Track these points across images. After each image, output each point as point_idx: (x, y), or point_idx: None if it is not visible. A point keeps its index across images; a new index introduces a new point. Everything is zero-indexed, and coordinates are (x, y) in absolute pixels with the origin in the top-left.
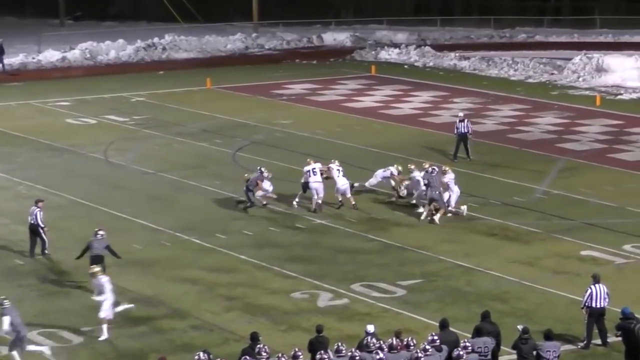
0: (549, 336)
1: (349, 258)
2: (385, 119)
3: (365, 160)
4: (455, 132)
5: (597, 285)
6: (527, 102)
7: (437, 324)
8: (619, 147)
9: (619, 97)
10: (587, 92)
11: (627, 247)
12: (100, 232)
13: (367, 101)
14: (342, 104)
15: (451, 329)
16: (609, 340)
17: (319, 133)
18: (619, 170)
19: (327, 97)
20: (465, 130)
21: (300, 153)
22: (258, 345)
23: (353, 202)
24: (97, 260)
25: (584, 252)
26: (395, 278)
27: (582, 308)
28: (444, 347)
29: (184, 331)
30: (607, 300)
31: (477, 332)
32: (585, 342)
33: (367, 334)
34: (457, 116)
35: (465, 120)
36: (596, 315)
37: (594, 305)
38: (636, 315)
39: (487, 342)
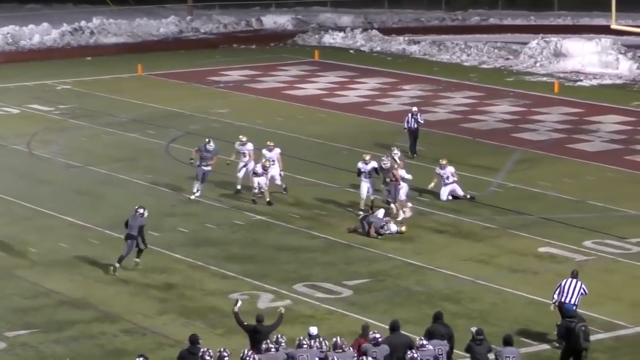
0: (508, 341)
1: (291, 256)
2: (330, 108)
3: (308, 151)
4: (406, 126)
5: (572, 280)
6: (481, 89)
7: (387, 327)
8: (578, 137)
9: (579, 83)
10: (544, 79)
11: (587, 243)
12: (140, 210)
13: (310, 89)
14: (283, 91)
15: (402, 331)
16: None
17: (259, 123)
18: (579, 162)
19: (267, 85)
20: (416, 125)
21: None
22: (201, 350)
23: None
24: (131, 238)
25: (541, 249)
26: (341, 277)
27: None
28: (384, 346)
29: (114, 336)
30: (575, 297)
31: (429, 335)
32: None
33: (310, 336)
34: (410, 109)
35: (418, 115)
36: (560, 312)
37: (562, 299)
38: (579, 313)
39: (441, 344)
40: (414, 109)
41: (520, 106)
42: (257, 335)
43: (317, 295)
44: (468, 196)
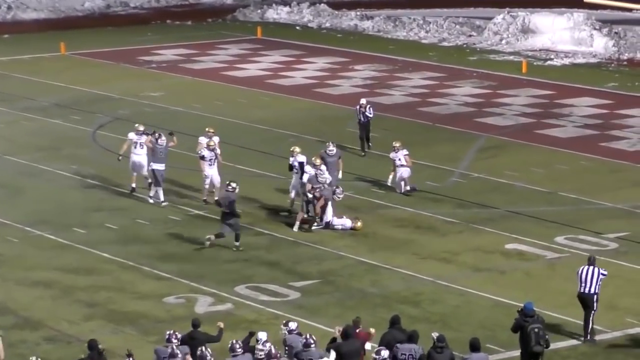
0: (475, 346)
1: (232, 255)
2: (274, 90)
3: (251, 138)
4: (358, 120)
5: (589, 267)
6: (441, 69)
7: (338, 332)
8: (549, 122)
9: (549, 62)
10: (511, 57)
11: (559, 239)
12: (232, 184)
13: (252, 69)
14: (222, 72)
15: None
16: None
17: (196, 107)
18: (550, 150)
19: (204, 65)
20: (365, 120)
21: (174, 132)
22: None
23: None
24: (226, 218)
25: (509, 246)
26: (288, 278)
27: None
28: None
29: (36, 344)
30: (594, 285)
31: (386, 343)
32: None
33: (258, 342)
34: (359, 101)
35: (367, 108)
36: (582, 303)
37: (581, 290)
38: (538, 314)
39: (414, 349)
40: (362, 101)
41: (485, 88)
42: (192, 342)
43: (261, 298)
44: (408, 187)
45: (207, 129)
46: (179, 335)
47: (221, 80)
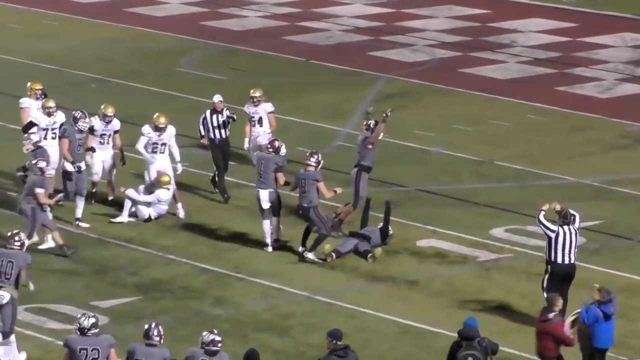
0: None
1: None
2: (66, 11)
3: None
4: (207, 138)
5: (566, 227)
6: None
7: None
8: (480, 56)
9: None
10: None
11: (497, 231)
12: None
13: None
14: None
15: None
16: None
17: None
18: (481, 97)
19: None
20: (221, 137)
21: None
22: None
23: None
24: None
25: (422, 242)
26: (89, 295)
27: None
28: None
29: None
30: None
31: None
32: None
33: None
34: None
35: (225, 110)
36: (560, 278)
37: (557, 259)
38: (486, 338)
39: None
40: (217, 99)
41: (385, 6)
42: None
43: (50, 325)
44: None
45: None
46: None
47: None
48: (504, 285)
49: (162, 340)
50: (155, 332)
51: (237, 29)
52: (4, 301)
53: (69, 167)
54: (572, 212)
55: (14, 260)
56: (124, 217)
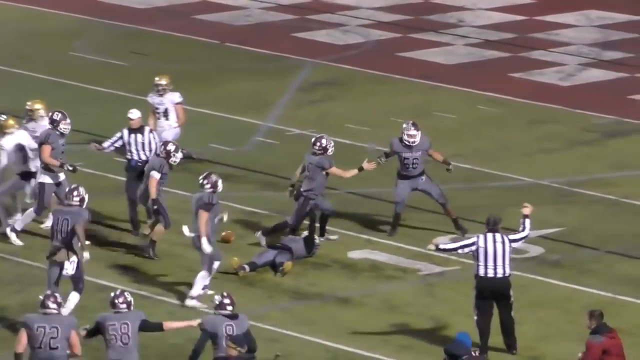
0: None
1: None
2: None
3: None
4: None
5: (490, 234)
6: None
7: None
8: (422, 38)
9: None
10: None
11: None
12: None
13: None
14: None
15: None
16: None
17: None
18: (424, 85)
19: None
20: (143, 158)
21: None
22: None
23: None
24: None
25: (355, 254)
26: None
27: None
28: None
29: None
30: (507, 261)
31: None
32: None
33: None
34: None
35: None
36: (488, 296)
37: (480, 272)
38: (475, 353)
39: None
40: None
41: None
42: None
43: None
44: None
45: None
46: None
47: None
48: (450, 303)
49: (131, 307)
50: (121, 300)
51: (139, 7)
52: (70, 272)
53: (47, 179)
54: (496, 217)
55: (69, 217)
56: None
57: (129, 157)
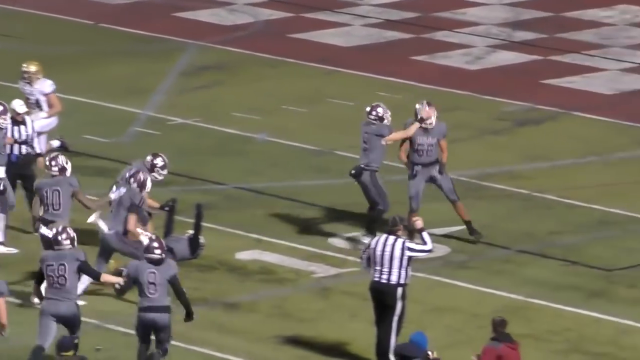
0: None
1: None
2: None
3: None
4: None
5: (384, 235)
6: None
7: None
8: (317, 18)
9: None
10: None
11: (338, 240)
12: None
13: None
14: None
15: None
16: None
17: None
18: (318, 69)
19: None
20: (24, 152)
21: None
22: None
23: None
24: None
25: (244, 255)
26: None
27: None
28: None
29: None
30: (396, 267)
31: None
32: None
33: None
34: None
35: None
36: (374, 299)
37: (372, 275)
38: (432, 354)
39: None
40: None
41: None
42: None
43: None
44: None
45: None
46: None
47: None
48: (348, 308)
49: (75, 244)
50: (64, 236)
51: None
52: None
53: None
54: (398, 217)
55: (59, 187)
56: None
57: (8, 150)
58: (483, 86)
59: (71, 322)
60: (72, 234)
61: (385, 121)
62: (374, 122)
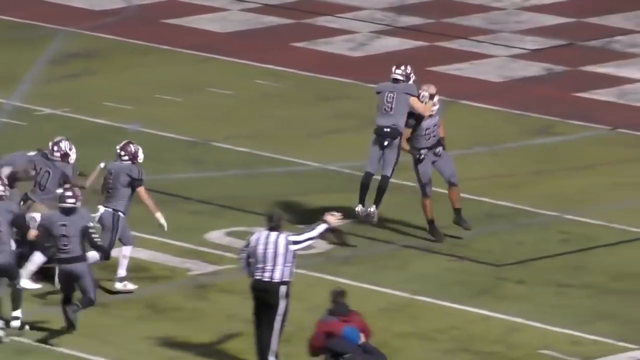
0: None
1: None
2: None
3: None
4: None
5: (266, 233)
6: None
7: None
8: (186, 2)
9: None
10: None
11: (215, 235)
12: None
13: None
14: None
15: None
16: None
17: None
18: (190, 55)
19: None
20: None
21: None
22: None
23: None
24: None
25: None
26: None
27: None
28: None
29: None
30: (280, 265)
31: None
32: None
33: None
34: None
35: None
36: (256, 299)
37: (254, 273)
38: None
39: None
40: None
41: None
42: None
43: None
44: None
45: None
46: None
47: None
48: (225, 307)
49: (6, 192)
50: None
51: None
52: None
53: None
54: (276, 212)
55: (51, 170)
56: None
57: None
58: (367, 74)
59: (8, 272)
60: (6, 187)
61: (412, 81)
62: (403, 80)
